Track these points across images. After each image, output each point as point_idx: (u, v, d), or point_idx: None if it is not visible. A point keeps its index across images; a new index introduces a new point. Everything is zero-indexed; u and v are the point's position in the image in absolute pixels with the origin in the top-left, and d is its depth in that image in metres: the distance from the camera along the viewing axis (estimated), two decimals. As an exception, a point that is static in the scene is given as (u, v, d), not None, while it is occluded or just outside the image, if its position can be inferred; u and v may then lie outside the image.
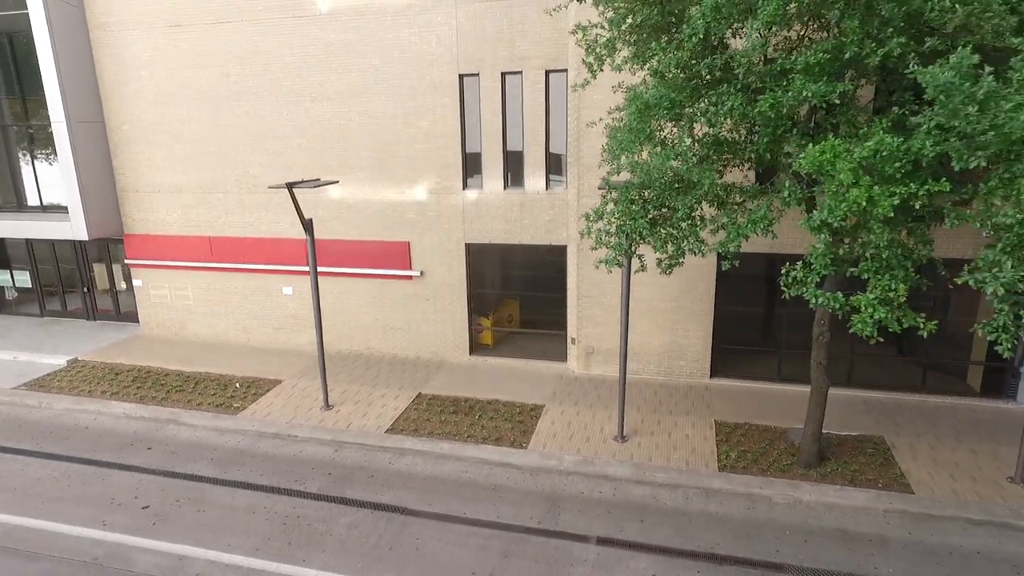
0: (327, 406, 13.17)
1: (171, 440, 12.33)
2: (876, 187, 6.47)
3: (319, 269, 14.41)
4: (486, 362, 15.48)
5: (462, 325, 15.51)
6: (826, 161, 6.57)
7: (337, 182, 12.99)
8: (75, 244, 18.65)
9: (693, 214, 8.85)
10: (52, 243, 18.80)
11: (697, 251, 9.07)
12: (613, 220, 9.03)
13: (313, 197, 15.33)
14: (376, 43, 14.26)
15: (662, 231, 9.04)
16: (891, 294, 6.92)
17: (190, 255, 16.96)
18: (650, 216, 9.03)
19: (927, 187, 6.43)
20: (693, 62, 7.86)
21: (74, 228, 16.35)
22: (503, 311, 16.30)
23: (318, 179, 12.85)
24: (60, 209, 16.87)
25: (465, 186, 14.62)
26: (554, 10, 10.50)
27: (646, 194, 9.03)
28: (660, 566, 8.61)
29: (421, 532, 9.46)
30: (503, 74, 13.74)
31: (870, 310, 6.95)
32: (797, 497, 9.94)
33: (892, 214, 6.40)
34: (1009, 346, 6.72)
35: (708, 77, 8.00)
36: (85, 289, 19.14)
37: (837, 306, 7.36)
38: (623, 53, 8.65)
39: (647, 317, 13.94)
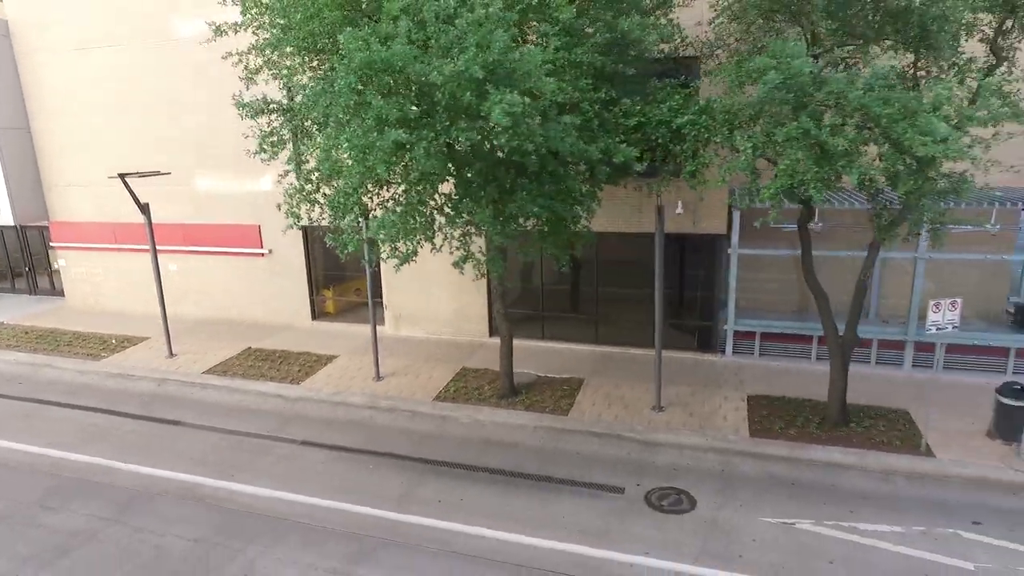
0: (171, 355, 16.34)
1: (40, 378, 15.68)
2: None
3: (194, 248, 17.79)
4: (324, 326, 18.46)
5: (304, 296, 18.54)
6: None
7: (169, 174, 16.16)
8: (18, 231, 22.34)
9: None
10: (2, 231, 22.54)
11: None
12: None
13: (187, 189, 18.53)
14: (226, 62, 17.36)
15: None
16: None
17: (99, 239, 20.39)
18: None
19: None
20: None
21: (2, 216, 20.00)
22: (352, 285, 19.23)
23: (157, 171, 15.99)
24: (-6, 201, 20.57)
25: (299, 178, 17.62)
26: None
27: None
28: (341, 457, 11.42)
29: (183, 435, 12.47)
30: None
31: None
32: (479, 419, 12.61)
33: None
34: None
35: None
36: (27, 269, 22.85)
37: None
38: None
39: (441, 286, 16.70)
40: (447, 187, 9.43)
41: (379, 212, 8.87)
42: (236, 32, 10.27)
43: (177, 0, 17.26)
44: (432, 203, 8.80)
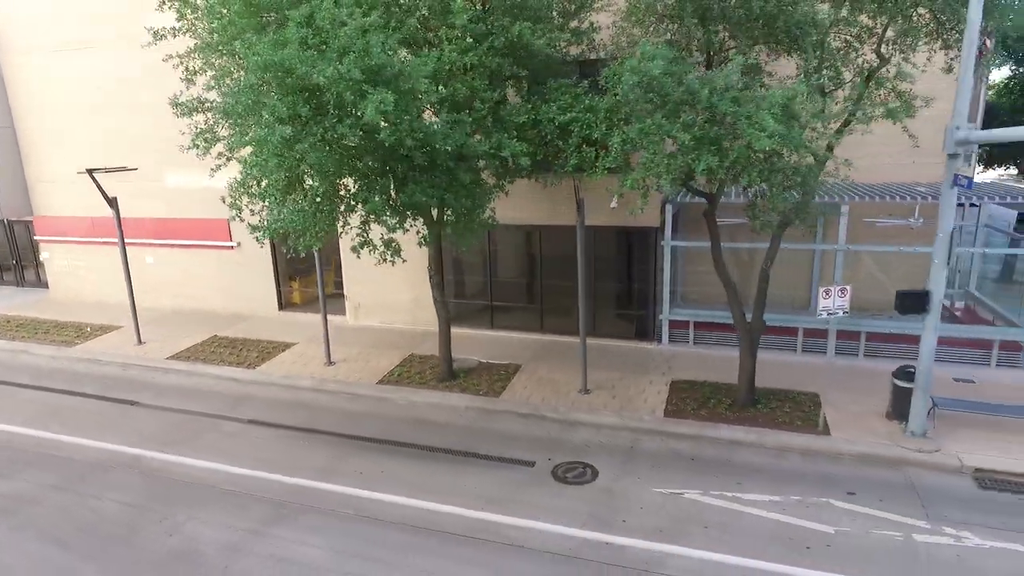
0: (140, 342, 17.19)
1: (15, 363, 16.58)
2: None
3: (168, 242, 18.77)
4: (289, 316, 19.27)
5: (271, 287, 19.37)
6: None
7: (136, 169, 17.02)
8: (5, 225, 23.31)
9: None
10: (-10, 225, 23.52)
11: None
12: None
13: (159, 186, 19.38)
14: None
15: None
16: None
17: (80, 233, 21.29)
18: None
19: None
20: None
21: (-12, 210, 20.96)
22: (316, 278, 20.00)
23: (124, 167, 16.84)
24: (-19, 196, 21.52)
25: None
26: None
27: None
28: (280, 434, 12.20)
29: (138, 414, 13.30)
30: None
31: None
32: (414, 400, 13.36)
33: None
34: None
35: None
36: (14, 262, 23.82)
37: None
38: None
39: (397, 278, 17.41)
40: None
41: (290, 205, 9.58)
42: (175, 36, 11.06)
43: (145, 3, 18.09)
44: (337, 195, 9.53)
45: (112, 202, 16.11)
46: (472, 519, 9.36)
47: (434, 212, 10.58)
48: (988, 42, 16.09)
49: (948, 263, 10.09)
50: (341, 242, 17.93)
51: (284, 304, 19.63)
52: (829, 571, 7.98)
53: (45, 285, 23.43)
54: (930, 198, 13.59)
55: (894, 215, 14.11)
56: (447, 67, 8.88)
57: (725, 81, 7.64)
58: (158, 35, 10.73)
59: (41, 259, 23.22)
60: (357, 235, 10.54)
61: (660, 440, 11.53)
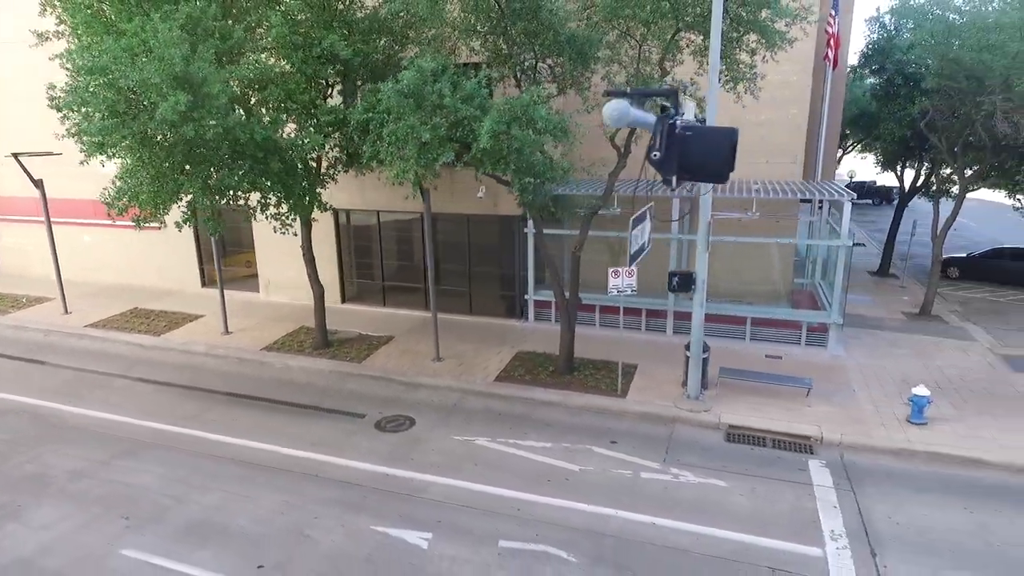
0: (66, 312, 18.97)
1: (-49, 328, 18.43)
2: None
3: (101, 222, 20.45)
4: (211, 292, 20.80)
5: (194, 265, 21.12)
6: None
7: (61, 154, 18.60)
8: (-38, 205, 25.03)
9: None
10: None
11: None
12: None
13: (94, 170, 21.00)
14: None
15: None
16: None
17: (25, 212, 23.02)
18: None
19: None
20: None
21: (-61, 190, 22.66)
22: (242, 257, 21.79)
23: (49, 152, 18.49)
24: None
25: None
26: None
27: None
28: (163, 390, 13.97)
29: (43, 372, 15.08)
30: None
31: None
32: (288, 364, 15.12)
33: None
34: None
35: None
36: (-30, 239, 25.59)
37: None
38: None
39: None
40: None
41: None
42: (59, 38, 12.73)
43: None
44: (165, 177, 11.23)
45: (38, 184, 17.82)
46: (291, 456, 11.13)
47: (263, 196, 12.40)
48: (830, 53, 17.78)
49: (707, 249, 11.75)
50: (255, 225, 19.71)
51: (207, 281, 21.37)
52: (553, 497, 9.74)
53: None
54: (769, 194, 15.31)
55: (728, 210, 15.79)
56: (260, 74, 10.58)
57: (471, 90, 9.30)
58: (43, 36, 12.40)
59: (-4, 238, 24.97)
60: (182, 212, 12.37)
61: (483, 400, 13.28)
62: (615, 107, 3.87)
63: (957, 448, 10.83)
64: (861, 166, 39.10)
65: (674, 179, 3.82)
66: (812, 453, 11.02)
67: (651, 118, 3.92)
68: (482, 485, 10.11)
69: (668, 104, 3.88)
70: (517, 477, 10.33)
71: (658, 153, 3.77)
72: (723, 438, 11.59)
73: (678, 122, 3.76)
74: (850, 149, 35.65)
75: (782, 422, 11.78)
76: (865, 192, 48.77)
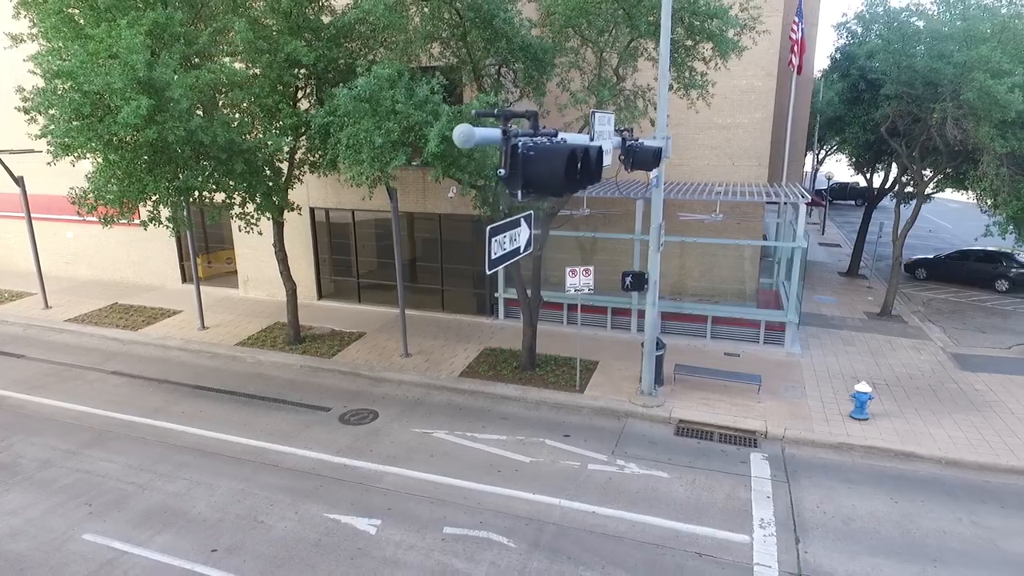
0: (47, 307, 19.30)
1: (-68, 321, 18.75)
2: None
3: (84, 218, 20.64)
4: (190, 288, 21.29)
5: (175, 261, 21.47)
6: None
7: (41, 152, 18.91)
8: (-53, 199, 25.30)
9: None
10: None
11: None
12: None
13: (77, 167, 21.32)
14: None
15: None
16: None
17: (8, 208, 23.32)
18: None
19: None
20: None
21: (-77, 185, 22.91)
22: (224, 254, 22.15)
23: (30, 149, 18.80)
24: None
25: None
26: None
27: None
28: (134, 383, 14.33)
29: (20, 365, 15.42)
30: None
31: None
32: (259, 359, 15.50)
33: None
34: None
35: None
36: (-45, 233, 25.86)
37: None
38: None
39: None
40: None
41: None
42: (32, 40, 13.06)
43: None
44: (132, 177, 11.59)
45: (19, 181, 18.13)
46: (253, 447, 11.53)
47: (228, 196, 12.78)
48: (794, 59, 18.20)
49: (659, 249, 12.16)
50: (233, 224, 20.07)
51: (187, 277, 21.72)
52: (501, 486, 10.16)
53: (-17, 256, 25.48)
54: (732, 196, 15.73)
55: (695, 211, 16.23)
56: (227, 77, 10.94)
57: (423, 96, 9.71)
58: (16, 39, 12.73)
59: (-21, 232, 25.25)
60: (147, 212, 12.75)
61: (446, 394, 13.69)
62: (462, 129, 4.26)
63: (893, 442, 11.30)
64: (839, 168, 39.56)
65: (519, 193, 4.22)
66: (756, 447, 11.47)
67: (497, 136, 4.31)
68: (435, 475, 10.52)
69: (513, 126, 4.27)
70: (469, 468, 10.74)
71: (503, 171, 4.17)
72: (673, 432, 12.03)
73: (520, 142, 4.14)
74: (831, 152, 36.28)
75: (730, 417, 12.23)
76: (848, 193, 49.39)
